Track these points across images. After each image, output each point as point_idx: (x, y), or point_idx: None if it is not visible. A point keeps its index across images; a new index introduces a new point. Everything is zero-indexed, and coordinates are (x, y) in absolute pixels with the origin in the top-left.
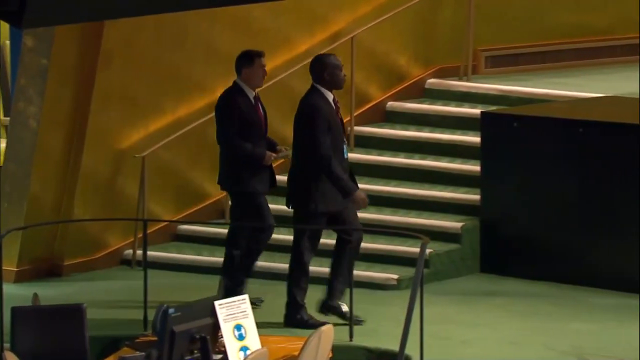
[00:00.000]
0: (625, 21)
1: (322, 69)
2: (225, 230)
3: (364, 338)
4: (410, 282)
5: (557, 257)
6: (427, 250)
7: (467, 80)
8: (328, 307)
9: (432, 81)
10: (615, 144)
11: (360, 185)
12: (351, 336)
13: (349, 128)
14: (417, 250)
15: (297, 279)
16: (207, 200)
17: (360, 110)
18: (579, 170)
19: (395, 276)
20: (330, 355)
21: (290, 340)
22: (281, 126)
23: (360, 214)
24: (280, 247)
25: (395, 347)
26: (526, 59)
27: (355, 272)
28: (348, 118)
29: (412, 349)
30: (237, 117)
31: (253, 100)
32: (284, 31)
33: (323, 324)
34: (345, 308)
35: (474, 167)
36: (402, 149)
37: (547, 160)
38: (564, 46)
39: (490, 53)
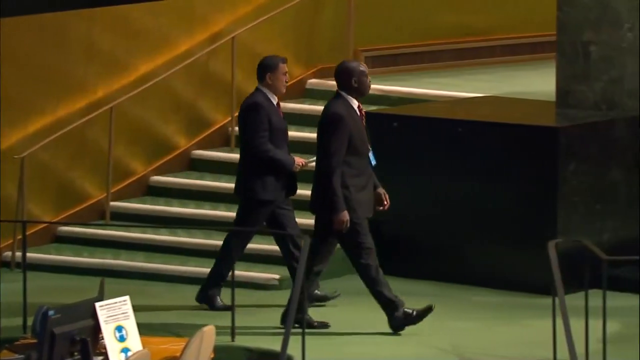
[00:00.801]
0: (504, 22)
1: (350, 76)
2: (104, 232)
3: (245, 338)
4: (292, 282)
5: (439, 256)
6: None
7: None
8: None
9: (313, 81)
10: (494, 143)
11: None
12: (233, 336)
13: (230, 128)
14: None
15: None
16: (87, 201)
17: None
18: (459, 169)
19: (277, 276)
20: (212, 355)
21: (172, 342)
22: (162, 126)
23: None
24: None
25: (276, 347)
26: (406, 59)
27: (237, 272)
28: (229, 118)
29: (293, 349)
30: (267, 123)
31: (277, 109)
32: (163, 32)
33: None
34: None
35: None
36: None
37: (428, 159)
38: (443, 46)
39: (370, 53)
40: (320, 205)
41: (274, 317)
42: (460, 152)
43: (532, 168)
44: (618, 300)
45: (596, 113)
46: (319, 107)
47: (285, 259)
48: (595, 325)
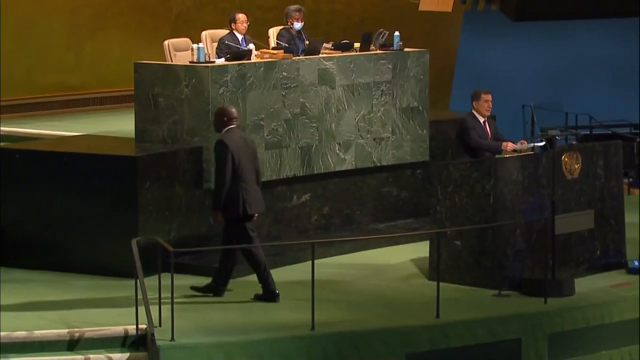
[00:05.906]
0: (95, 79)
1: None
2: None
3: None
4: None
5: (50, 251)
6: None
7: None
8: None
9: None
10: (92, 168)
11: None
12: None
13: None
14: None
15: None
16: None
17: None
18: (66, 187)
19: None
20: None
21: None
22: None
23: None
24: None
25: None
26: (24, 108)
27: None
28: None
29: None
30: (474, 134)
31: (482, 124)
32: None
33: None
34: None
35: None
36: None
37: (43, 181)
38: (52, 98)
39: None
40: None
41: None
42: (66, 175)
43: (119, 185)
44: (182, 280)
45: (164, 146)
46: None
47: None
48: (168, 298)
